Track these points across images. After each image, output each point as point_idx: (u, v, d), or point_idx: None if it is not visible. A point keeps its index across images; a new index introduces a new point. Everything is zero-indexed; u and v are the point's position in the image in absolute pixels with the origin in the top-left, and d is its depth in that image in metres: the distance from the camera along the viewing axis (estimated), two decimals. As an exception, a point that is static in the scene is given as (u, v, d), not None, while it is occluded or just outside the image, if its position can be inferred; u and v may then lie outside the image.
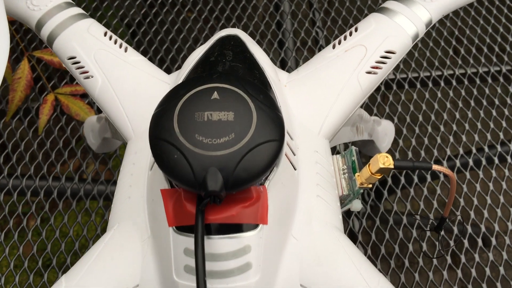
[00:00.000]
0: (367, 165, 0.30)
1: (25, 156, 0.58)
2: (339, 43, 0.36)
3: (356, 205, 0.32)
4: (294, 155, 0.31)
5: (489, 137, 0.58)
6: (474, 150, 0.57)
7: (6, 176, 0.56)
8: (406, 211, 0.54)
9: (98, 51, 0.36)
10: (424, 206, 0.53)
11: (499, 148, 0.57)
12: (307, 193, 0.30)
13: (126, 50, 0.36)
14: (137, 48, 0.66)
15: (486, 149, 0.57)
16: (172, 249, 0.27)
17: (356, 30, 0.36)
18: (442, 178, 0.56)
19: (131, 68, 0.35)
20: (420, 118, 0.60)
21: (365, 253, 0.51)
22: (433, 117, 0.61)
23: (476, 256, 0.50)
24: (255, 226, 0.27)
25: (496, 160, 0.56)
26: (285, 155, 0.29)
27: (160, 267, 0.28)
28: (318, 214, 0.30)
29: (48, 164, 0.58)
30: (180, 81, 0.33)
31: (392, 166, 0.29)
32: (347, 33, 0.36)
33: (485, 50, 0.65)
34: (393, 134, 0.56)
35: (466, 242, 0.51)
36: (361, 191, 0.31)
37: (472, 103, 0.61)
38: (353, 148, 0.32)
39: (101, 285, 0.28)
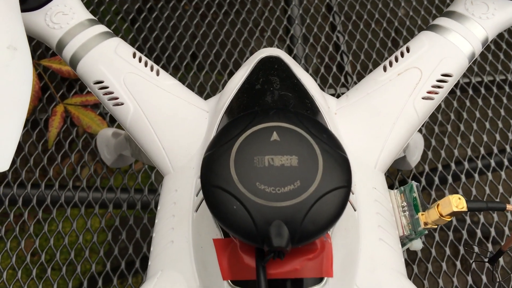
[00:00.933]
0: (435, 206, 0.27)
1: (34, 171, 0.55)
2: (391, 65, 0.33)
3: (417, 245, 0.30)
4: (353, 194, 0.28)
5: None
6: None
7: (16, 192, 0.53)
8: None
9: (128, 75, 0.33)
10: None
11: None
12: (369, 236, 0.27)
13: (158, 73, 0.33)
14: (142, 45, 0.63)
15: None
16: (228, 305, 0.24)
17: (408, 50, 0.33)
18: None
19: (165, 94, 0.33)
20: (449, 129, 0.58)
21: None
22: (462, 128, 0.58)
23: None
24: (320, 279, 0.24)
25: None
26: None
27: (214, 325, 0.25)
28: (382, 260, 0.27)
29: (60, 179, 0.55)
30: (223, 110, 0.30)
31: (465, 209, 0.26)
32: (398, 53, 0.33)
33: (490, 57, 0.63)
34: (423, 146, 0.54)
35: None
36: (425, 231, 0.28)
37: (477, 114, 0.59)
38: (414, 183, 0.30)
39: None
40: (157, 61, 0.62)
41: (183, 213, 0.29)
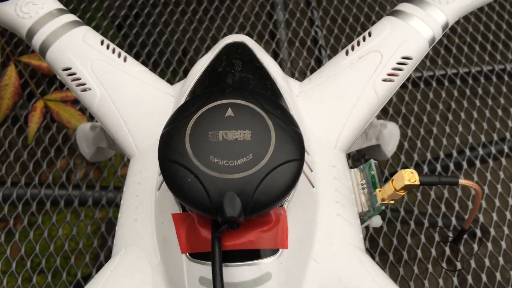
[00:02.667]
0: (390, 181, 0.28)
1: (14, 166, 0.56)
2: (353, 49, 0.34)
3: (376, 221, 0.30)
4: (312, 171, 0.29)
5: (483, 138, 0.57)
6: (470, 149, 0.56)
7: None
8: (413, 216, 0.52)
9: (95, 62, 0.34)
10: (432, 210, 0.52)
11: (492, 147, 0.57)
12: (326, 212, 0.28)
13: (125, 60, 0.34)
14: (128, 51, 0.64)
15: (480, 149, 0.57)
16: (186, 277, 0.25)
17: (370, 35, 0.34)
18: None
19: (131, 79, 0.33)
20: (425, 119, 0.59)
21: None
22: (438, 118, 0.59)
23: (475, 246, 0.49)
24: (275, 251, 0.25)
25: (491, 163, 0.56)
26: (303, 172, 0.27)
27: (173, 297, 0.26)
28: (339, 234, 0.28)
29: (40, 173, 0.55)
30: (187, 93, 0.31)
31: (417, 183, 0.27)
32: (361, 38, 0.34)
33: (477, 49, 0.64)
34: (398, 136, 0.55)
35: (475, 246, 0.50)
36: (383, 207, 0.29)
37: (465, 103, 0.60)
38: (372, 161, 0.30)
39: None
40: (154, 67, 0.63)
41: (147, 193, 0.29)
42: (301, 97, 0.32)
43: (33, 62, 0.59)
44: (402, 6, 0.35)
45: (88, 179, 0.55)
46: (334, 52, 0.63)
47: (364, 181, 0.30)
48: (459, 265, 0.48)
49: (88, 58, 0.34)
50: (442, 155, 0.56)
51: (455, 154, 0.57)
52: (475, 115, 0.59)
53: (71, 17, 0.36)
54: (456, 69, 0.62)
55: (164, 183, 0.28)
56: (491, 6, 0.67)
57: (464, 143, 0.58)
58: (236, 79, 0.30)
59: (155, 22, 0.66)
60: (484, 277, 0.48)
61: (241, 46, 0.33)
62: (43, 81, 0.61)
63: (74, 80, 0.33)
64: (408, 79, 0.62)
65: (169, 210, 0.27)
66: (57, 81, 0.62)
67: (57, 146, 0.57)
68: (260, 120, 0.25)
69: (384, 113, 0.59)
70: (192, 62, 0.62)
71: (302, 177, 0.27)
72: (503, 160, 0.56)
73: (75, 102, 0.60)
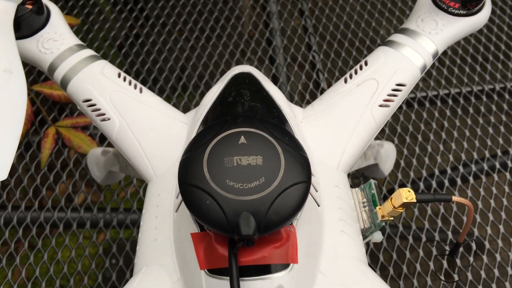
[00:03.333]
0: (389, 199, 0.31)
1: (28, 191, 0.58)
2: (351, 77, 0.37)
3: (377, 237, 0.33)
4: (316, 191, 0.31)
5: (475, 155, 0.60)
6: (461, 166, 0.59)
7: (10, 212, 0.56)
8: (411, 232, 0.55)
9: (113, 93, 0.36)
10: (429, 225, 0.54)
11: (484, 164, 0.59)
12: (331, 229, 0.31)
13: (141, 91, 0.37)
14: (129, 69, 0.67)
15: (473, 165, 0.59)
16: (205, 292, 0.27)
17: (366, 64, 0.37)
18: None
19: (147, 109, 0.36)
20: (420, 138, 0.62)
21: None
22: (432, 137, 0.62)
23: (471, 259, 0.52)
24: (286, 265, 0.27)
25: (484, 178, 0.58)
26: (309, 194, 0.30)
27: (193, 311, 0.28)
28: (344, 249, 0.30)
29: (52, 197, 0.58)
30: (200, 121, 0.34)
31: (414, 200, 0.30)
32: (357, 67, 0.37)
33: (467, 70, 0.67)
34: (395, 155, 0.58)
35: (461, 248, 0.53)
36: (383, 223, 0.32)
37: (457, 122, 0.63)
38: (372, 181, 0.33)
39: (135, 331, 0.28)
40: (143, 83, 0.65)
41: (165, 214, 0.32)
42: (304, 122, 0.35)
43: (45, 90, 0.62)
44: (395, 37, 0.38)
45: (90, 202, 0.57)
46: (331, 74, 0.66)
47: (365, 200, 0.33)
48: (456, 277, 0.51)
49: (106, 90, 0.36)
50: (437, 172, 0.59)
51: (449, 171, 0.59)
52: (467, 133, 0.62)
53: (90, 52, 0.39)
54: (447, 90, 0.65)
55: (181, 205, 0.31)
56: (479, 30, 0.71)
57: (457, 160, 0.61)
58: (245, 108, 0.32)
59: (160, 50, 0.69)
60: None
61: (248, 76, 0.36)
62: (54, 108, 0.64)
63: (94, 110, 0.36)
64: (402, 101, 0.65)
65: (187, 230, 0.29)
66: (67, 108, 0.65)
67: (68, 169, 0.60)
68: (270, 146, 0.27)
69: (380, 132, 0.62)
70: (196, 87, 0.66)
71: (308, 198, 0.30)
72: (495, 176, 0.59)
73: (85, 128, 0.63)
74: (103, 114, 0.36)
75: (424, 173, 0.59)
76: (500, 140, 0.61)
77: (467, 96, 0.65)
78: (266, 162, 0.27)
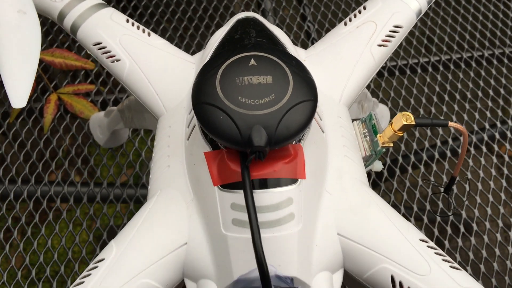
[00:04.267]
0: (389, 124, 0.32)
1: (32, 155, 0.59)
2: (350, 20, 0.38)
3: (378, 166, 0.35)
4: (321, 119, 0.33)
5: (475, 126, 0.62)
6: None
7: (7, 185, 0.56)
8: (402, 201, 0.57)
9: (123, 36, 0.38)
10: (407, 197, 0.56)
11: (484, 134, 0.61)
12: (335, 153, 0.32)
13: (149, 35, 0.38)
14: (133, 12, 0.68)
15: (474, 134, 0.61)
16: (218, 206, 0.29)
17: (364, 8, 0.39)
18: (422, 169, 0.59)
19: (156, 50, 0.37)
20: (412, 102, 0.64)
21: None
22: (424, 100, 0.64)
23: (460, 241, 0.54)
24: (295, 181, 0.29)
25: (472, 150, 0.60)
26: (314, 119, 0.32)
27: (207, 224, 0.30)
28: (347, 172, 0.32)
29: (55, 164, 0.59)
30: (207, 59, 0.35)
31: (413, 123, 0.31)
32: (356, 11, 0.39)
33: (457, 38, 0.69)
34: (389, 117, 0.59)
35: (449, 229, 0.54)
36: (383, 150, 0.33)
37: (446, 93, 0.65)
38: (372, 113, 0.35)
39: (151, 245, 0.30)
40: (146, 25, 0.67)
41: (177, 142, 0.33)
42: (307, 61, 0.37)
43: (46, 58, 0.63)
44: (391, -16, 0.40)
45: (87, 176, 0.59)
46: (321, 25, 0.68)
47: (366, 130, 0.35)
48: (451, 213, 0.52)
49: (116, 34, 0.38)
50: (427, 144, 0.61)
51: (439, 143, 0.61)
52: (444, 108, 0.64)
53: (98, 0, 0.40)
54: (438, 57, 0.68)
55: (193, 132, 0.32)
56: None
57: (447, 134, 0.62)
58: (252, 42, 0.34)
59: (157, 4, 0.71)
60: (469, 270, 0.52)
61: (253, 19, 0.37)
62: (56, 76, 0.65)
63: (104, 53, 0.37)
64: (394, 67, 0.67)
65: (200, 153, 0.31)
66: (69, 76, 0.66)
67: (72, 135, 0.61)
68: (279, 68, 0.29)
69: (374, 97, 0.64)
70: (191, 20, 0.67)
71: (313, 124, 0.31)
72: (482, 160, 0.59)
73: (87, 94, 0.64)
74: (114, 56, 0.37)
75: (415, 146, 0.61)
76: (499, 112, 0.63)
77: (459, 62, 0.67)
78: (275, 81, 0.28)
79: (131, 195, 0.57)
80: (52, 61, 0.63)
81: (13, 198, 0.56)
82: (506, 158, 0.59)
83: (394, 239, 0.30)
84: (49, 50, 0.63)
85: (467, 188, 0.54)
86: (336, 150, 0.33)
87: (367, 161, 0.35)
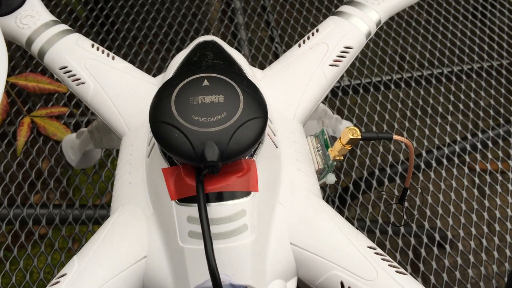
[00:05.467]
0: (338, 139, 0.34)
1: (5, 177, 0.60)
2: (304, 42, 0.41)
3: (331, 178, 0.37)
4: (275, 135, 0.35)
5: (436, 141, 0.65)
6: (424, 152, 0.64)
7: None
8: (367, 214, 0.59)
9: (88, 60, 0.39)
10: (384, 208, 0.58)
11: (445, 150, 0.64)
12: (288, 167, 0.34)
13: (113, 58, 0.40)
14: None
15: (435, 152, 0.64)
16: (176, 219, 0.30)
17: (317, 31, 0.41)
18: (398, 181, 0.61)
19: (119, 73, 0.39)
20: (376, 118, 0.66)
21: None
22: (387, 116, 0.67)
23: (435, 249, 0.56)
24: (248, 193, 0.31)
25: (445, 161, 0.63)
26: (268, 135, 0.34)
27: (165, 237, 0.31)
28: (300, 184, 0.34)
29: (28, 184, 0.60)
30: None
31: (359, 137, 0.34)
32: (310, 34, 0.41)
33: (427, 55, 0.73)
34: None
35: (425, 238, 0.56)
36: (335, 163, 0.35)
37: (411, 111, 0.68)
38: (325, 128, 0.37)
39: (111, 259, 0.31)
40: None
41: (138, 160, 0.35)
42: (263, 81, 0.39)
43: (20, 82, 0.64)
44: (343, 8, 0.42)
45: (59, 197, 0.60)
46: (288, 46, 0.71)
47: (318, 145, 0.37)
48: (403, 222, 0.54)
49: (81, 58, 0.40)
50: (390, 159, 0.63)
51: (402, 157, 0.63)
52: (417, 122, 0.66)
53: (64, 26, 0.42)
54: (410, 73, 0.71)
55: (153, 150, 0.34)
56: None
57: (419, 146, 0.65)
58: (209, 64, 0.36)
59: (131, 24, 0.73)
60: (445, 276, 0.54)
61: (212, 42, 0.39)
62: (29, 99, 0.66)
63: (70, 76, 0.39)
64: (369, 84, 0.70)
65: (159, 169, 0.32)
66: (41, 99, 0.67)
67: (45, 156, 0.62)
68: (230, 87, 0.31)
69: (339, 114, 0.67)
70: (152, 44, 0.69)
71: (267, 139, 0.33)
72: (454, 170, 0.62)
73: (59, 117, 0.65)
74: (79, 79, 0.39)
75: (379, 160, 0.63)
76: (459, 127, 0.66)
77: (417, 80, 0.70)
78: (227, 100, 0.30)
79: (103, 216, 0.58)
80: (25, 85, 0.64)
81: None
82: (477, 169, 0.62)
83: (343, 246, 0.32)
84: (22, 74, 0.65)
85: (418, 201, 0.56)
86: (289, 164, 0.34)
87: (320, 174, 0.37)
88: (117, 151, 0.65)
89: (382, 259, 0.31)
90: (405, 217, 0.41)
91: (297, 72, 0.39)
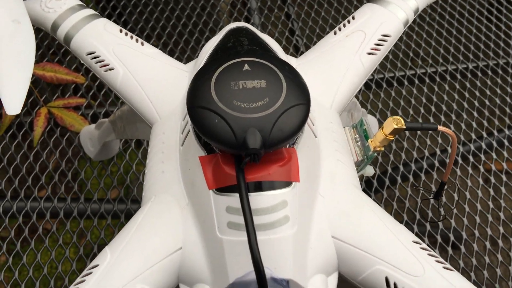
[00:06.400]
0: (381, 129, 0.33)
1: (22, 169, 0.59)
2: (340, 30, 0.39)
3: (369, 171, 0.35)
4: (313, 125, 0.34)
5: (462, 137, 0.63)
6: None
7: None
8: (392, 211, 0.57)
9: (116, 46, 0.38)
10: (409, 205, 0.57)
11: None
12: (328, 157, 0.33)
13: (142, 44, 0.39)
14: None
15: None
16: (214, 209, 0.29)
17: (353, 18, 0.40)
18: (423, 177, 0.60)
19: (149, 59, 0.38)
20: (400, 113, 0.65)
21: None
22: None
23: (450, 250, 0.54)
24: (289, 183, 0.29)
25: (460, 160, 0.61)
26: (307, 124, 0.32)
27: (202, 228, 0.30)
28: (340, 176, 0.32)
29: (45, 178, 0.58)
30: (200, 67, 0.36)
31: (404, 127, 0.32)
32: (346, 21, 0.40)
33: (442, 51, 0.71)
34: (377, 127, 0.60)
35: (439, 238, 0.55)
36: (375, 155, 0.34)
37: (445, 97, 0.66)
38: (363, 118, 0.35)
39: (145, 250, 0.30)
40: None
41: (171, 149, 0.33)
42: (299, 69, 0.37)
43: (37, 72, 0.63)
44: (379, -5, 0.41)
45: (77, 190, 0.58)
46: (309, 40, 0.70)
47: (357, 136, 0.35)
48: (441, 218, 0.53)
49: (109, 43, 0.38)
50: (415, 155, 0.62)
51: (427, 153, 0.62)
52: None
53: (91, 11, 0.40)
54: (434, 67, 0.69)
55: (187, 138, 0.33)
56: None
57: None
58: (245, 49, 0.35)
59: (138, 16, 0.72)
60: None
61: (245, 29, 0.38)
62: (46, 90, 0.65)
63: (98, 62, 0.38)
64: (382, 80, 0.68)
65: (194, 158, 0.31)
66: (58, 90, 0.66)
67: (62, 147, 0.61)
68: (272, 72, 0.29)
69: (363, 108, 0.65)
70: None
71: (306, 128, 0.32)
72: (469, 169, 0.60)
73: (77, 108, 0.64)
74: (107, 65, 0.37)
75: (403, 156, 0.61)
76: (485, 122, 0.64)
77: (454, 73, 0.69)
78: (269, 85, 0.29)
79: (121, 209, 0.56)
80: (43, 75, 0.63)
81: (2, 213, 0.55)
82: (493, 168, 0.60)
83: (387, 241, 0.30)
84: (40, 64, 0.64)
85: (456, 197, 0.55)
86: (328, 154, 0.33)
87: (359, 166, 0.35)
88: (136, 144, 0.64)
89: (429, 255, 0.30)
90: (442, 212, 0.39)
91: (334, 61, 0.37)
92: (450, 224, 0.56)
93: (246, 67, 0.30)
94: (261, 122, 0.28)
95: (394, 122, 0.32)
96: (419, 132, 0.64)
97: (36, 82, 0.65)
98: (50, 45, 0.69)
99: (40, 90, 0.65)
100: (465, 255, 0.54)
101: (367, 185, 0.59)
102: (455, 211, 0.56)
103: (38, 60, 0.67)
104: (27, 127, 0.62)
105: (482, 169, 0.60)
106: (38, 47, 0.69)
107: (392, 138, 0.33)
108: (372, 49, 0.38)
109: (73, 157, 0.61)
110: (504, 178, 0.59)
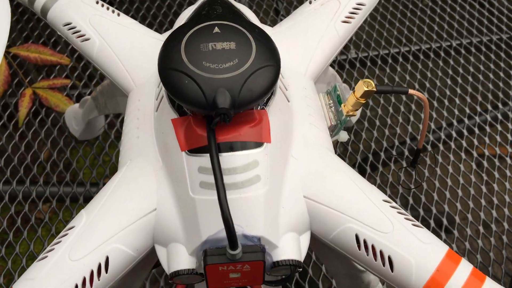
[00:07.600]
0: (352, 92, 0.33)
1: (7, 148, 0.59)
2: (315, -1, 0.40)
3: (343, 136, 0.36)
4: (286, 90, 0.34)
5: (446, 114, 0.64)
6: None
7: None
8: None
9: (92, 16, 0.38)
10: (390, 192, 0.57)
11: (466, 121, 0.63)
12: (301, 121, 0.33)
13: (118, 15, 0.39)
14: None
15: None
16: (186, 170, 0.29)
17: (328, -13, 0.40)
18: (404, 164, 0.60)
19: (125, 29, 0.38)
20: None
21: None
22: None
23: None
24: (260, 144, 0.30)
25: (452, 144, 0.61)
26: (279, 88, 0.33)
27: (175, 189, 0.30)
28: (313, 139, 0.33)
29: (31, 156, 0.59)
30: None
31: (374, 89, 0.33)
32: (321, -10, 0.40)
33: (436, 28, 0.72)
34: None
35: (432, 222, 0.55)
36: (348, 119, 0.34)
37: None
38: (337, 84, 0.36)
39: (120, 212, 0.30)
40: None
41: (146, 114, 0.34)
42: (274, 37, 0.37)
43: (21, 53, 0.63)
44: (354, -35, 0.41)
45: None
46: (289, 3, 0.70)
47: (331, 101, 0.36)
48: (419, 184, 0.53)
49: (86, 14, 0.38)
50: (407, 140, 0.62)
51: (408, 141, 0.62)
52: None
53: (68, -17, 0.41)
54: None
55: (161, 103, 0.33)
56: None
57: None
58: (216, 14, 0.35)
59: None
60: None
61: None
62: (31, 71, 0.65)
63: (74, 33, 0.38)
64: (366, 58, 0.69)
65: (168, 122, 0.31)
66: (43, 70, 0.66)
67: (47, 128, 0.61)
68: (242, 35, 0.30)
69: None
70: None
71: (279, 92, 0.32)
72: (462, 154, 0.60)
73: (62, 88, 0.64)
74: (83, 35, 0.38)
75: (396, 142, 0.62)
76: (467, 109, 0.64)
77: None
78: (239, 47, 0.29)
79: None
80: (27, 55, 0.63)
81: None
82: (486, 153, 0.60)
83: (358, 199, 0.31)
84: (24, 45, 0.64)
85: (428, 161, 0.55)
86: (301, 118, 0.33)
87: (333, 131, 0.36)
88: (121, 124, 0.64)
89: (398, 212, 0.31)
90: (417, 178, 0.40)
91: (309, 29, 0.38)
92: (443, 208, 0.56)
93: (216, 29, 0.30)
94: (231, 82, 0.28)
95: (364, 85, 0.33)
96: (411, 119, 0.64)
97: (21, 63, 0.65)
98: (34, 27, 0.69)
99: (25, 72, 0.65)
100: (458, 239, 0.54)
101: (360, 171, 0.60)
102: (448, 195, 0.56)
103: (23, 41, 0.68)
104: (12, 108, 0.62)
105: (475, 154, 0.60)
106: (22, 29, 0.69)
107: (363, 101, 0.33)
108: (347, 17, 0.38)
109: (65, 147, 0.61)
110: (497, 162, 0.59)
